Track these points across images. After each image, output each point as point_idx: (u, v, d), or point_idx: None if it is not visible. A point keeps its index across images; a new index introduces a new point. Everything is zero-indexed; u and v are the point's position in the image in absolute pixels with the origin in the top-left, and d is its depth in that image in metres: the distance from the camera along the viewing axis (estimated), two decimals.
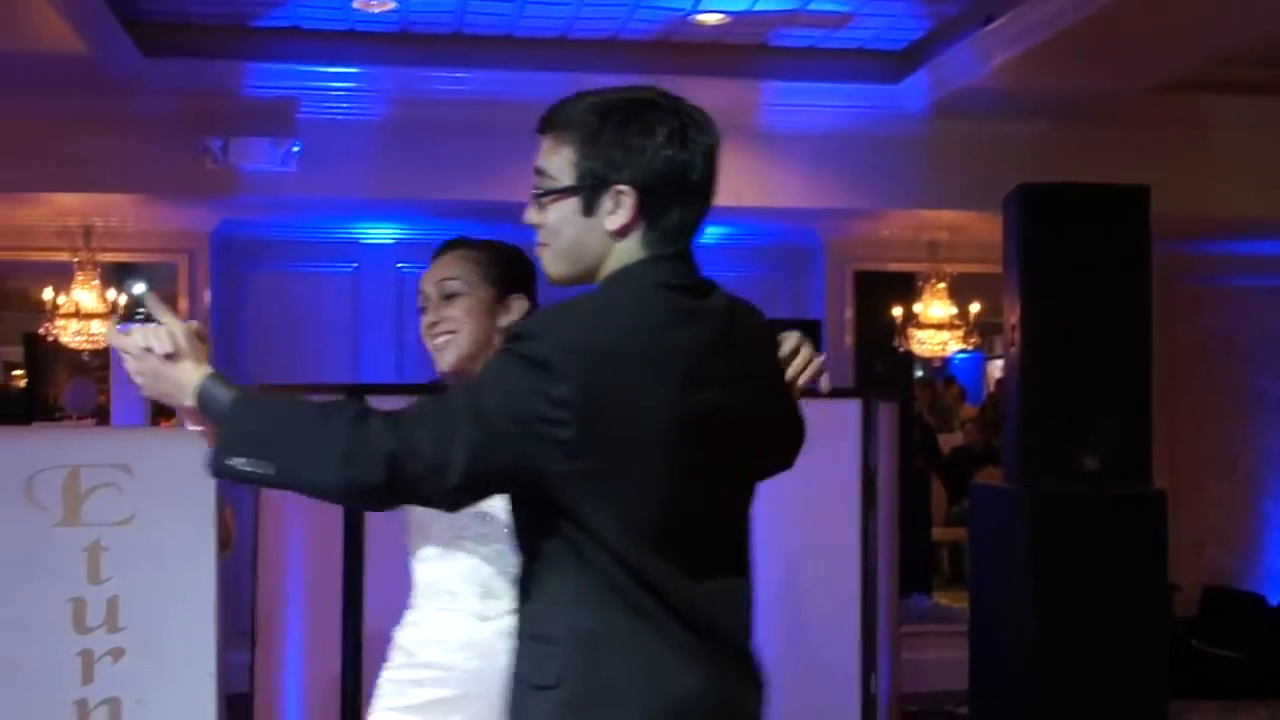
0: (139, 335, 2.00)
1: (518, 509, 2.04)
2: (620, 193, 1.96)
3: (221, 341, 7.95)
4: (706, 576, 2.00)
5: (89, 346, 7.84)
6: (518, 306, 2.55)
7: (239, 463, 1.89)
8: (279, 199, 7.37)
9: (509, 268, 2.58)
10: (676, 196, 1.99)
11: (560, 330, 1.90)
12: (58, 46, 6.04)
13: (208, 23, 6.86)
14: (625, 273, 1.99)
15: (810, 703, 4.99)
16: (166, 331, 2.01)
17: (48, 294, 7.73)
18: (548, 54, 7.12)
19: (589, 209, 1.97)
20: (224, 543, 3.58)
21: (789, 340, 2.22)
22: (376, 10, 6.61)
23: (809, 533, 5.08)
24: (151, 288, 8.20)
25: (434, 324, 2.54)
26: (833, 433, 5.12)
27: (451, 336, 2.53)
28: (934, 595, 8.85)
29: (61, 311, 7.67)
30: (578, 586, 1.95)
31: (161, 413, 8.13)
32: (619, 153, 1.95)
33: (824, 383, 2.25)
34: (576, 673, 1.93)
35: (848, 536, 5.05)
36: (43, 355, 8.42)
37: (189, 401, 1.98)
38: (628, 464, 1.89)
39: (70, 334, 7.66)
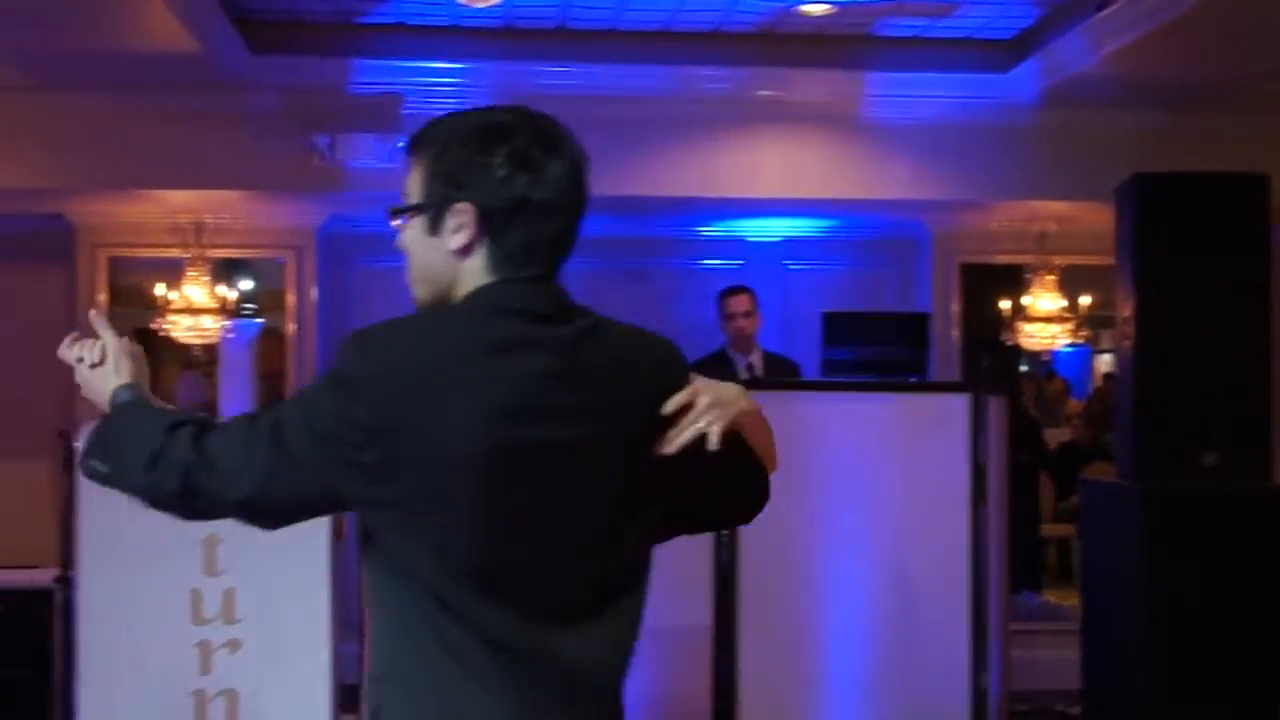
0: (78, 348, 2.21)
1: (358, 539, 1.99)
2: (460, 211, 1.90)
3: (327, 336, 8.04)
4: (555, 621, 1.89)
5: (200, 341, 7.95)
6: None
7: (94, 463, 1.98)
8: (384, 195, 7.40)
9: None
10: (519, 217, 1.91)
11: (371, 350, 1.84)
12: (171, 45, 6.13)
13: (315, 20, 6.93)
14: (470, 295, 1.92)
15: (920, 697, 4.94)
16: (100, 345, 2.19)
17: (159, 290, 7.86)
18: (652, 47, 7.12)
19: (433, 228, 1.92)
20: (337, 534, 3.60)
21: (681, 394, 1.97)
22: (481, 6, 6.64)
23: (917, 528, 5.02)
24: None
25: None
26: (941, 428, 5.06)
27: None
28: (1042, 592, 8.72)
29: (173, 307, 7.79)
30: (401, 623, 1.87)
31: (268, 406, 8.23)
32: (461, 171, 1.91)
33: (712, 439, 1.95)
34: (394, 714, 1.89)
35: (957, 532, 4.99)
36: (152, 350, 8.55)
37: (105, 406, 2.12)
38: (431, 495, 1.82)
39: (182, 329, 7.77)
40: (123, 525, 3.19)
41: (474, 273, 1.92)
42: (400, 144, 7.22)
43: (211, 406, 8.34)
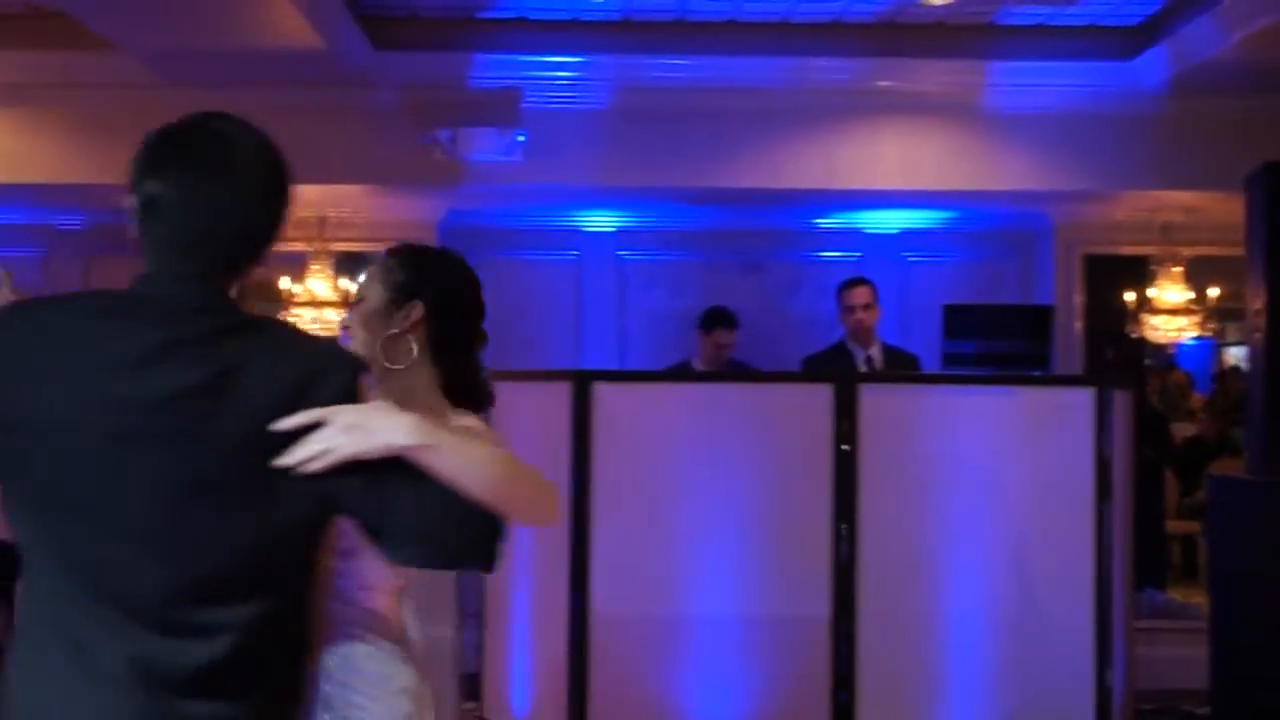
0: None
1: None
2: (130, 204, 2.03)
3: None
4: (127, 615, 1.88)
5: (323, 333, 8.08)
6: (415, 312, 2.55)
7: None
8: (504, 188, 7.49)
9: (408, 274, 2.59)
10: (150, 214, 2.00)
11: None
12: (296, 42, 6.24)
13: (436, 15, 7.01)
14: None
15: (1043, 694, 4.89)
16: None
17: (284, 283, 8.00)
18: (771, 39, 7.09)
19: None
20: None
21: (310, 413, 1.91)
22: None
23: (1040, 523, 4.96)
24: None
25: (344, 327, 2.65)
26: (1064, 422, 5.00)
27: (351, 343, 2.59)
28: (1167, 590, 8.56)
29: (297, 300, 7.93)
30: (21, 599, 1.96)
31: None
32: (130, 167, 2.04)
33: (312, 464, 1.89)
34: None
35: (1081, 528, 4.92)
36: None
37: None
38: (9, 462, 1.91)
39: (306, 322, 7.90)
40: None
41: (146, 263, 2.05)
42: (520, 138, 7.28)
43: None
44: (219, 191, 1.99)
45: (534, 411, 5.00)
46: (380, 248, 8.24)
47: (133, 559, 1.89)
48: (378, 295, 2.56)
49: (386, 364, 2.52)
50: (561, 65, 7.15)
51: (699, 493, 4.97)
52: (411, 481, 1.94)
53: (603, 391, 5.03)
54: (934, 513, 4.92)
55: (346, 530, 2.14)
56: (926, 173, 7.50)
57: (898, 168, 7.49)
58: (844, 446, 4.89)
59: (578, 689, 4.89)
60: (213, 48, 6.45)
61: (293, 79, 6.89)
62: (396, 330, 2.53)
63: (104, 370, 1.89)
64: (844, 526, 4.84)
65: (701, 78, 7.14)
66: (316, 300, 7.92)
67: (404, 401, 2.17)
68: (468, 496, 1.96)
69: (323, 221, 7.93)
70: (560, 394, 5.03)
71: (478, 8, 6.93)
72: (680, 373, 6.69)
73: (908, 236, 8.56)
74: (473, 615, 5.26)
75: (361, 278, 2.61)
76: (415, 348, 2.53)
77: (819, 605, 4.86)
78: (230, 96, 7.01)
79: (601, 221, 8.39)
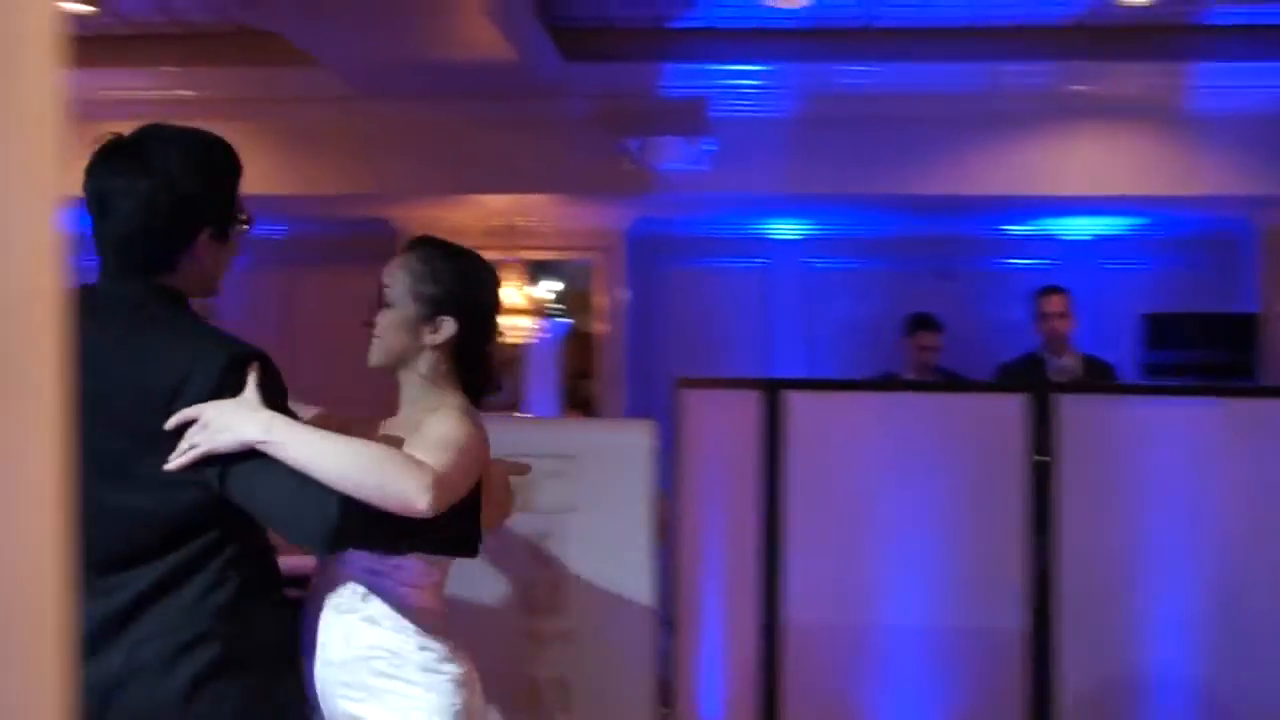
0: None
1: None
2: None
3: (637, 336, 8.19)
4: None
5: (514, 340, 8.21)
6: (446, 328, 2.59)
7: None
8: (692, 196, 7.53)
9: (441, 288, 2.61)
10: (91, 215, 2.29)
11: None
12: (489, 54, 6.35)
13: (625, 26, 7.07)
14: None
15: (1255, 714, 4.74)
16: None
17: None
18: (960, 44, 7.00)
19: None
20: (660, 531, 3.67)
21: (187, 410, 2.21)
22: (789, 6, 6.65)
23: (1247, 536, 4.81)
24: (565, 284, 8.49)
25: (369, 323, 2.65)
26: (1272, 433, 4.84)
27: (377, 341, 2.64)
28: None
29: None
30: None
31: (573, 405, 8.44)
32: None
33: (179, 460, 2.19)
34: None
35: None
36: None
37: None
38: None
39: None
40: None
41: None
42: (709, 147, 7.33)
43: (517, 405, 8.60)
44: (140, 194, 2.26)
45: (722, 419, 5.01)
46: (568, 256, 8.48)
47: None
48: (408, 307, 2.62)
49: (410, 370, 2.64)
50: (749, 73, 7.17)
51: (890, 501, 4.93)
52: (264, 471, 2.19)
53: (793, 399, 5.02)
54: (1134, 525, 4.81)
55: None
56: (1122, 178, 7.33)
57: (1092, 173, 7.34)
58: (1040, 457, 4.81)
59: (768, 696, 4.88)
60: (408, 61, 6.61)
61: (485, 90, 7.03)
62: (426, 345, 2.61)
63: None
64: (1040, 538, 4.76)
65: (889, 84, 7.09)
66: (508, 307, 8.04)
67: (418, 397, 2.58)
68: (320, 484, 2.18)
69: (513, 230, 8.06)
70: (749, 402, 5.04)
71: (666, 18, 6.98)
72: (875, 381, 6.65)
73: (1103, 243, 8.37)
74: (663, 621, 5.29)
75: (389, 277, 2.65)
76: (439, 356, 2.63)
77: (1013, 617, 4.78)
78: (423, 108, 7.30)
79: (789, 229, 8.38)
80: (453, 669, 2.53)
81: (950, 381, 6.56)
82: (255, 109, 7.47)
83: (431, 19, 6.05)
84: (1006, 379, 6.18)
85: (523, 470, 2.98)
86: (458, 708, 2.50)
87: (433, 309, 2.61)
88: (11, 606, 0.61)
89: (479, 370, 2.69)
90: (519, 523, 3.30)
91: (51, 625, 0.64)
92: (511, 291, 8.04)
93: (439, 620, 2.58)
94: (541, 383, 8.48)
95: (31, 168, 0.65)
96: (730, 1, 6.65)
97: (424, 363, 2.62)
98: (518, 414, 8.48)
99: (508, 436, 3.51)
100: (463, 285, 2.64)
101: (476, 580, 3.30)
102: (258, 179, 7.89)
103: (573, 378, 8.59)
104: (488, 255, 8.27)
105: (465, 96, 7.18)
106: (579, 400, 8.53)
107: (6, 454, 0.62)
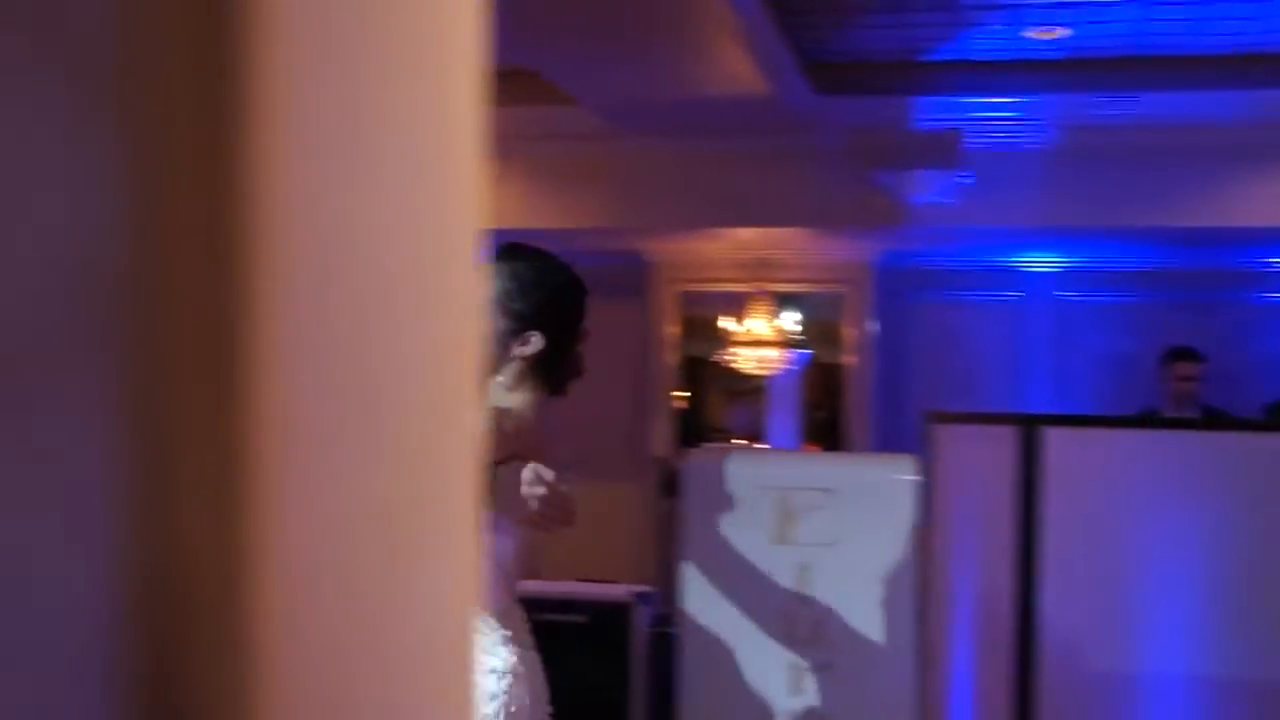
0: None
1: None
2: None
3: (886, 369, 8.15)
4: None
5: (761, 372, 8.26)
6: (534, 343, 2.59)
7: None
8: (942, 229, 7.47)
9: (528, 303, 2.61)
10: None
11: None
12: (743, 89, 6.43)
13: (878, 59, 7.07)
14: None
15: None
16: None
17: (724, 322, 8.23)
18: (1225, 71, 6.80)
19: None
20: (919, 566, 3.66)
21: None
22: (1047, 38, 6.56)
23: None
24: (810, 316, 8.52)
25: None
26: None
27: None
28: None
29: (736, 339, 8.13)
30: None
31: (813, 439, 8.44)
32: None
33: None
34: None
35: None
36: (702, 379, 8.94)
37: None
38: None
39: (745, 360, 8.10)
40: (722, 547, 3.39)
41: None
42: (965, 180, 7.27)
43: (758, 436, 8.64)
44: None
45: (976, 456, 4.95)
46: (815, 288, 8.49)
47: None
48: (497, 321, 2.66)
49: (498, 381, 2.66)
50: (1004, 105, 7.08)
51: (1153, 543, 4.80)
52: None
53: (1051, 435, 4.93)
54: None
55: None
56: None
57: None
58: None
59: None
60: (663, 98, 6.73)
61: (737, 125, 7.11)
62: (514, 358, 2.66)
63: None
64: None
65: (1149, 114, 6.92)
66: (755, 339, 8.10)
67: (495, 401, 2.55)
68: None
69: (761, 262, 8.12)
70: (1004, 438, 4.96)
71: (919, 51, 6.95)
72: (1138, 419, 6.48)
73: None
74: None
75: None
76: (523, 365, 2.66)
77: None
78: (675, 144, 7.41)
79: (1042, 262, 8.24)
80: (499, 659, 2.54)
81: (1216, 419, 6.35)
82: (509, 146, 7.69)
83: (688, 56, 6.16)
84: (1276, 418, 5.96)
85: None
86: (501, 699, 2.51)
87: (521, 324, 2.67)
88: (437, 654, 0.67)
89: (560, 375, 2.74)
90: (780, 554, 3.34)
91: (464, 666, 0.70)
92: (759, 323, 8.10)
93: (498, 606, 2.58)
94: (782, 414, 8.51)
95: (456, 207, 0.70)
96: (986, 33, 6.59)
97: (507, 372, 2.67)
98: (758, 445, 8.53)
99: (769, 469, 3.56)
100: (551, 302, 2.71)
101: (736, 610, 3.35)
102: (513, 214, 8.15)
103: (811, 409, 8.59)
104: (736, 288, 8.38)
105: (717, 131, 7.27)
106: (817, 432, 8.53)
107: (437, 498, 0.68)
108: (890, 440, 7.77)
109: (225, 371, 0.52)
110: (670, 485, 3.58)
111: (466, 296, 0.71)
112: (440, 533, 0.68)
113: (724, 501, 3.41)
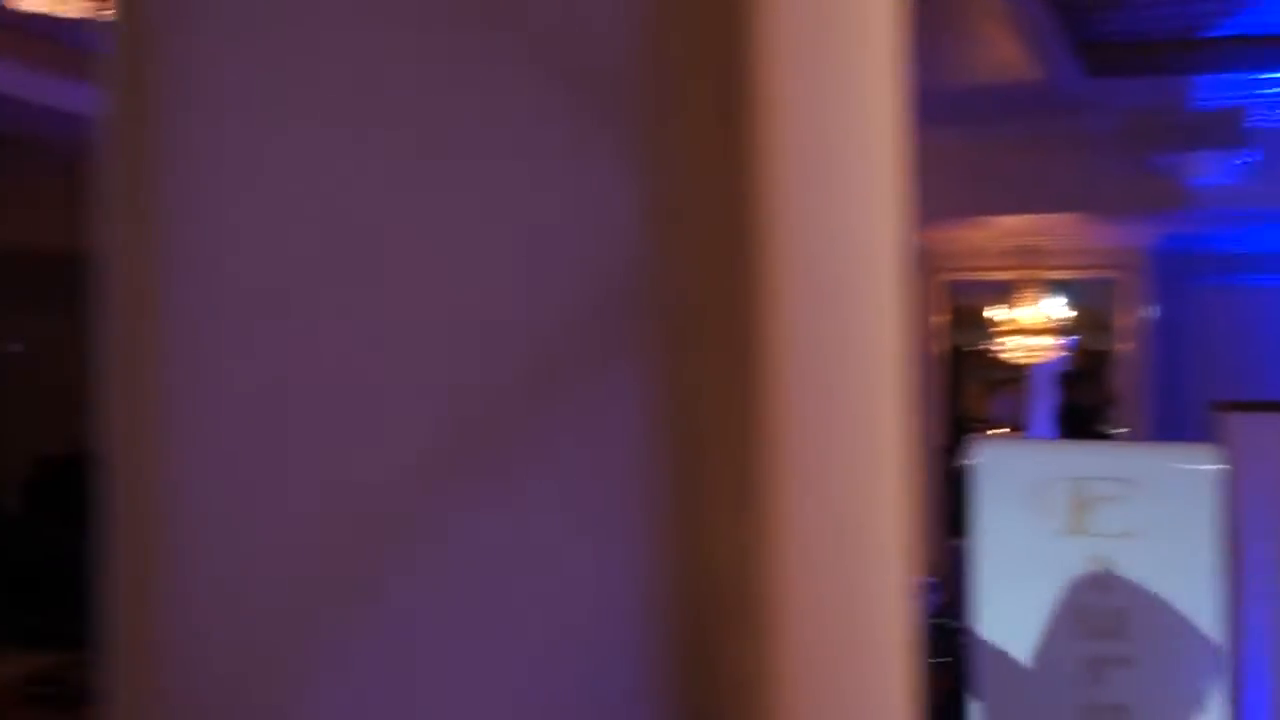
0: None
1: None
2: None
3: (1164, 356, 7.93)
4: None
5: (1029, 361, 8.13)
6: None
7: None
8: (1225, 211, 7.22)
9: None
10: None
11: None
12: (1016, 75, 6.35)
13: (1155, 38, 6.86)
14: None
15: None
16: None
17: (991, 311, 8.12)
18: None
19: None
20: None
21: None
22: None
23: None
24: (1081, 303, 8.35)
25: None
26: None
27: None
28: None
29: (1003, 327, 8.02)
30: None
31: (1074, 430, 8.25)
32: None
33: None
34: None
35: None
36: (962, 369, 8.83)
37: None
38: None
39: (1013, 349, 7.98)
40: (1013, 536, 3.38)
41: None
42: (1249, 159, 7.01)
43: (1019, 425, 8.50)
44: None
45: (1269, 445, 4.78)
46: (1086, 275, 8.31)
47: None
48: None
49: None
50: None
51: None
52: None
53: None
54: None
55: None
56: None
57: None
58: None
59: None
60: (937, 87, 6.67)
61: (1005, 112, 7.01)
62: None
63: None
64: None
65: None
66: (1022, 327, 7.97)
67: None
68: None
69: (1029, 250, 7.98)
70: None
71: (1197, 27, 6.72)
72: None
73: None
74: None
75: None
76: None
77: None
78: (949, 132, 7.32)
79: None
80: None
81: None
82: None
83: (968, 47, 6.11)
84: None
85: None
86: None
87: None
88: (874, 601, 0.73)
89: None
90: (1074, 545, 3.30)
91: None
92: (1030, 310, 7.97)
93: None
94: (1045, 403, 8.37)
95: (882, 219, 0.75)
96: (1272, 5, 6.34)
97: None
98: (1019, 433, 8.40)
99: (1062, 459, 3.52)
100: None
101: (1029, 604, 3.33)
102: None
103: (1075, 397, 8.43)
104: (1004, 275, 8.24)
105: (990, 119, 7.18)
106: (1079, 419, 8.35)
107: (880, 497, 0.73)
108: (1166, 429, 7.56)
109: (746, 383, 0.58)
110: (956, 475, 3.57)
111: (897, 303, 0.76)
112: (884, 533, 0.73)
113: (1015, 491, 3.39)
